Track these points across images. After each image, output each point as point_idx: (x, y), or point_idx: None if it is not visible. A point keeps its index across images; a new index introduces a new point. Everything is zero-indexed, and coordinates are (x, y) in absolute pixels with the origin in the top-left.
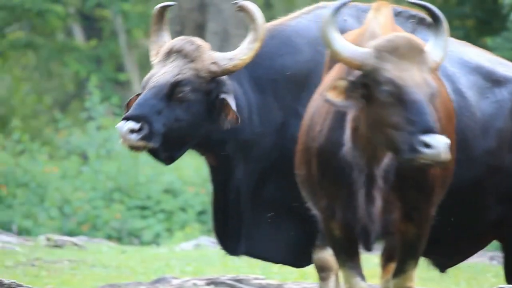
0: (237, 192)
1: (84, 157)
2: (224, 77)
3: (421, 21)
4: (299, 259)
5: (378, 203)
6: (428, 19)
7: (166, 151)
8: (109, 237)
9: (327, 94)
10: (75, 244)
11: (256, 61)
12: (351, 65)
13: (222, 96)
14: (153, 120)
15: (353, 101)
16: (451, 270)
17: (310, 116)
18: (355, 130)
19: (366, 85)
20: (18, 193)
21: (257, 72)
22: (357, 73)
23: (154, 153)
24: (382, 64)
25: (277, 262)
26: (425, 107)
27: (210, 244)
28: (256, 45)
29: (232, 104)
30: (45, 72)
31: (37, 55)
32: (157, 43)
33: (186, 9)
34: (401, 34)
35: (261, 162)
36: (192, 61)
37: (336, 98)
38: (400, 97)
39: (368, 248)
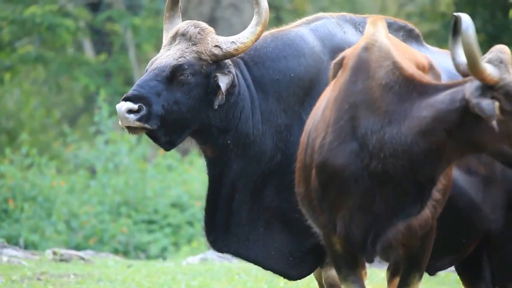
0: (232, 187)
1: (92, 171)
2: (227, 61)
3: (409, 33)
4: (290, 270)
5: (428, 213)
6: (416, 30)
7: (166, 135)
8: (116, 251)
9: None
10: (82, 258)
11: (258, 60)
12: (491, 82)
13: (216, 74)
14: (152, 101)
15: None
16: (457, 284)
17: (307, 134)
18: (441, 144)
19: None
20: (26, 207)
21: (260, 71)
22: (483, 88)
23: (153, 136)
24: (511, 77)
25: (266, 268)
26: None
27: (216, 258)
28: (259, 29)
29: (223, 82)
30: (55, 86)
31: (46, 69)
32: (169, 30)
33: None
34: (501, 45)
35: (261, 163)
36: (195, 44)
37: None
38: None
39: (370, 260)
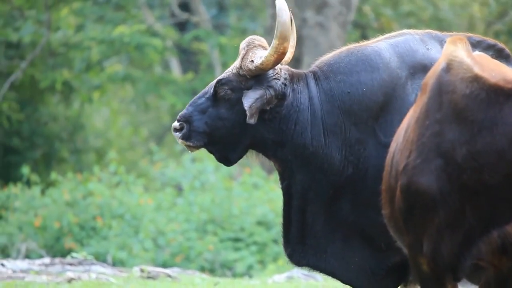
0: (303, 199)
1: (179, 189)
2: (270, 75)
3: (499, 52)
4: (370, 287)
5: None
6: (507, 50)
7: (217, 151)
8: (202, 269)
9: None
10: (169, 276)
11: (330, 74)
12: None
13: (244, 91)
14: (194, 119)
15: None
16: None
17: (391, 156)
18: None
19: None
20: (113, 224)
21: (329, 84)
22: None
23: (211, 152)
24: None
25: (344, 282)
26: None
27: (302, 276)
28: (276, 42)
29: (247, 101)
30: (142, 105)
31: (134, 88)
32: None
33: None
34: None
35: (327, 175)
36: (241, 59)
37: None
38: None
39: (458, 279)
